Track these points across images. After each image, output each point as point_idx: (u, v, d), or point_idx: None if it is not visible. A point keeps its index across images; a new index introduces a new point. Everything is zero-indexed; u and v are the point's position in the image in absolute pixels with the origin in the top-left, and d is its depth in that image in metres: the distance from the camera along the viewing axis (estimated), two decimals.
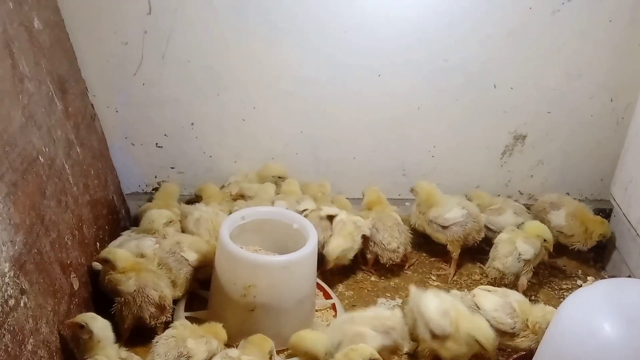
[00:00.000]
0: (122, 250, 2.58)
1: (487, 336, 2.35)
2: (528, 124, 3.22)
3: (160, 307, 2.48)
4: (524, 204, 3.35)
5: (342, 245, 2.84)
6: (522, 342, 2.49)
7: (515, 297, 2.58)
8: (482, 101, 3.13)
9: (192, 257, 2.67)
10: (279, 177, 3.20)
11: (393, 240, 2.97)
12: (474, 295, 2.60)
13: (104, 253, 2.53)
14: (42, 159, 2.25)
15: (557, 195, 3.28)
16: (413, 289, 2.54)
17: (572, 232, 3.13)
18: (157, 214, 2.87)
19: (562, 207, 3.18)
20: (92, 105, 2.94)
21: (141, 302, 2.43)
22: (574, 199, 3.30)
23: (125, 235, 2.83)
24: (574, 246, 3.15)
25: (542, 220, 3.13)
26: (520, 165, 3.34)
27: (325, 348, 2.34)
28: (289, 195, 3.08)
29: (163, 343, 2.21)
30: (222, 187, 3.24)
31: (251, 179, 3.23)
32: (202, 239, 2.78)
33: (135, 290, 2.43)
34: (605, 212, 3.37)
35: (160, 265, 2.62)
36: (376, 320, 2.40)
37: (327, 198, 3.16)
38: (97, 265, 2.55)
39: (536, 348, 2.15)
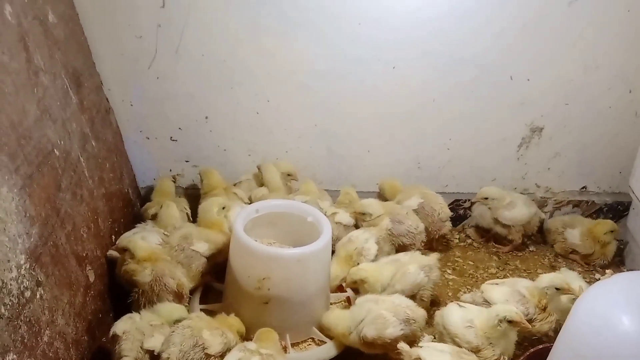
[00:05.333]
0: (142, 240, 2.60)
1: (512, 310, 2.32)
2: (545, 116, 3.18)
3: (179, 295, 2.50)
4: (541, 197, 3.34)
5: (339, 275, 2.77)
6: (542, 327, 2.49)
7: (523, 284, 2.58)
8: (498, 93, 3.10)
9: (203, 247, 2.66)
10: (288, 175, 3.17)
11: (420, 224, 2.98)
12: (483, 291, 2.58)
13: (124, 242, 2.55)
14: (57, 152, 2.26)
15: (569, 216, 3.33)
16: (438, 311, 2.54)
17: (587, 250, 3.16)
18: (210, 204, 2.83)
19: (575, 226, 3.21)
20: (106, 98, 2.95)
21: (159, 290, 2.45)
22: (591, 192, 3.29)
23: (140, 227, 2.84)
24: (595, 263, 3.18)
25: (555, 240, 3.25)
26: (537, 157, 3.30)
27: (348, 327, 2.39)
28: (308, 195, 3.07)
29: (179, 333, 2.21)
30: (235, 185, 3.24)
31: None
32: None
33: (152, 280, 2.45)
34: (624, 205, 3.34)
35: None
36: (399, 307, 2.41)
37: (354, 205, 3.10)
38: (112, 254, 2.57)
39: (555, 336, 2.12)
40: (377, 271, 2.64)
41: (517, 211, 3.15)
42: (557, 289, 2.49)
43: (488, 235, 3.32)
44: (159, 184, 3.13)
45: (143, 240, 2.62)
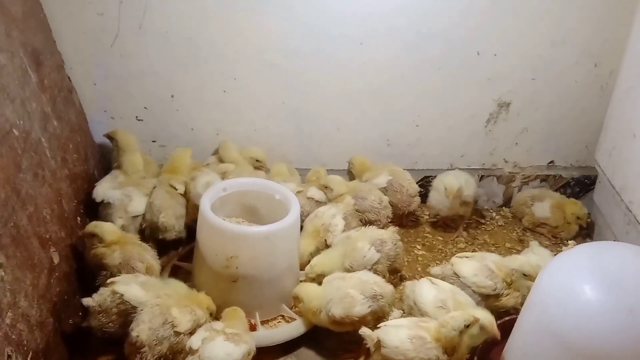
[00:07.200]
0: (109, 224, 2.58)
1: (489, 319, 2.28)
2: (512, 91, 3.19)
3: None
4: (509, 172, 3.39)
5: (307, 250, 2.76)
6: (507, 301, 2.54)
7: (492, 259, 2.61)
8: (465, 69, 3.09)
9: (180, 188, 2.83)
10: (257, 161, 3.13)
11: (383, 199, 2.99)
12: (452, 264, 2.60)
13: (91, 227, 2.52)
14: (16, 132, 2.20)
15: (537, 189, 3.39)
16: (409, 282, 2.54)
17: (556, 222, 3.23)
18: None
19: (545, 199, 3.27)
20: (69, 78, 2.88)
21: (127, 273, 2.42)
22: (559, 166, 3.37)
23: (112, 177, 2.85)
24: (560, 236, 3.25)
25: (523, 214, 3.30)
26: (505, 133, 3.32)
27: (320, 304, 2.38)
28: (276, 177, 3.04)
29: (148, 311, 2.20)
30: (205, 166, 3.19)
31: None
32: None
33: (120, 263, 2.44)
34: (590, 178, 3.38)
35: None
36: (366, 284, 2.40)
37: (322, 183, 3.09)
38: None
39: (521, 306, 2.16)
40: (329, 258, 2.63)
41: (472, 184, 3.19)
42: (524, 275, 2.52)
43: (439, 223, 3.29)
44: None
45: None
